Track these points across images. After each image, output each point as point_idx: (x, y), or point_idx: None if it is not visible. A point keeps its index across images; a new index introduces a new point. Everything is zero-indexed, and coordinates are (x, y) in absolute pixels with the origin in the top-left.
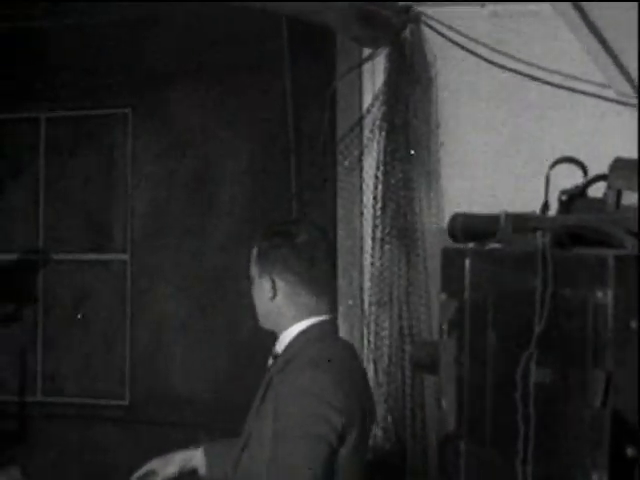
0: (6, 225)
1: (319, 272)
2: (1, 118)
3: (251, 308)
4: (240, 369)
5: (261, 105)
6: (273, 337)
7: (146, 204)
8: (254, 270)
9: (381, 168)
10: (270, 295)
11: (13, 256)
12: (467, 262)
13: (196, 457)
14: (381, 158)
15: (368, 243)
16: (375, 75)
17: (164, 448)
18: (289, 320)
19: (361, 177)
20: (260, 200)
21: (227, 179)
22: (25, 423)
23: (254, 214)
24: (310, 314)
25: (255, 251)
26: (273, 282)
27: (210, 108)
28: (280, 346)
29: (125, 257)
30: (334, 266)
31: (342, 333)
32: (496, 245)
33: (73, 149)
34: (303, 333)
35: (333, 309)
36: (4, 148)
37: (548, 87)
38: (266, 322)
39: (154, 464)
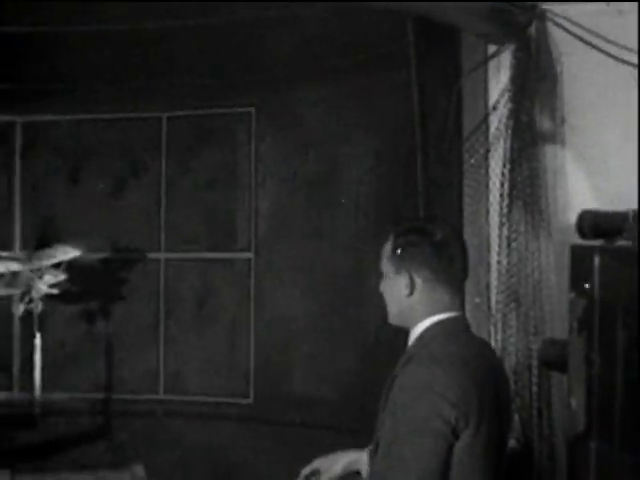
0: (128, 224)
1: (455, 269)
2: (123, 117)
3: (376, 307)
4: (365, 368)
5: (387, 104)
6: (399, 335)
7: (270, 203)
8: (388, 267)
9: (507, 165)
10: (407, 292)
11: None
12: (596, 259)
13: (360, 459)
14: (507, 155)
15: (495, 241)
16: (501, 72)
17: (287, 448)
18: (420, 317)
19: (487, 175)
20: (385, 199)
21: (352, 178)
22: (145, 421)
23: (379, 213)
24: (443, 310)
25: (389, 248)
26: (411, 278)
27: (335, 107)
28: (410, 342)
29: (249, 256)
30: (467, 263)
31: None
32: (625, 242)
33: (195, 148)
34: (430, 328)
35: (463, 307)
36: (126, 147)
37: None
38: (397, 319)
39: (319, 463)
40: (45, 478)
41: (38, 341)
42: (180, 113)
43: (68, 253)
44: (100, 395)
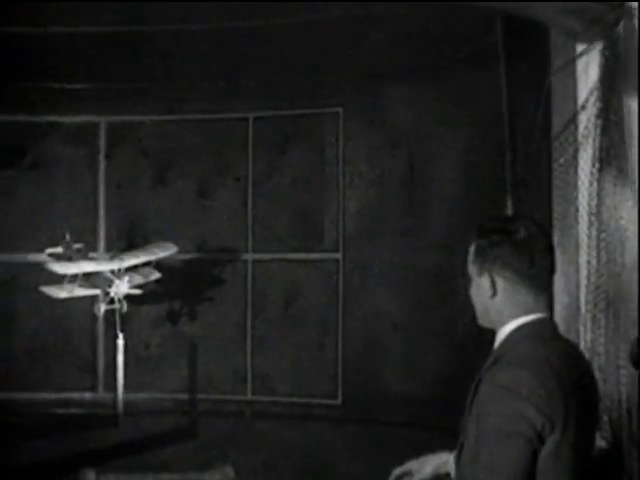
0: (214, 224)
1: (538, 269)
2: (210, 118)
3: (465, 306)
4: (454, 367)
5: (475, 102)
6: (488, 333)
7: (358, 203)
8: (472, 268)
9: (596, 165)
10: (490, 293)
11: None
12: None
13: (450, 460)
14: (596, 154)
15: (584, 240)
16: (589, 71)
17: (376, 448)
18: (506, 318)
19: (576, 174)
20: (474, 197)
21: (440, 177)
22: (233, 422)
23: (468, 211)
24: (528, 312)
25: (472, 249)
26: (492, 280)
27: (423, 106)
28: (496, 344)
29: (337, 256)
30: (553, 263)
31: None
32: None
33: (283, 148)
34: (516, 331)
35: (550, 307)
36: (212, 147)
37: None
38: (484, 320)
39: (411, 465)
40: (132, 478)
41: (121, 342)
42: (267, 113)
43: (157, 253)
44: (186, 396)
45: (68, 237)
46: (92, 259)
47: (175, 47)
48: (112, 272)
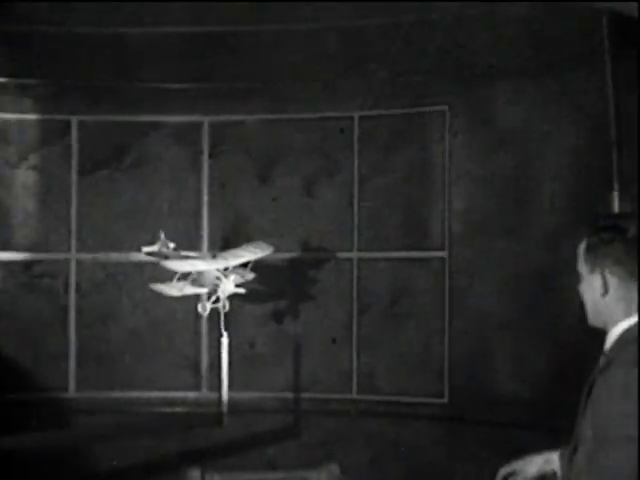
0: (319, 223)
1: None
2: (314, 117)
3: (571, 305)
4: (562, 368)
5: (582, 101)
6: (595, 334)
7: (465, 202)
8: (583, 266)
9: None
10: (601, 292)
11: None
12: None
13: (555, 459)
14: None
15: None
16: None
17: (482, 447)
18: (618, 317)
19: None
20: (582, 195)
21: (548, 175)
22: (338, 421)
23: (576, 210)
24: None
25: (583, 247)
26: (604, 278)
27: (531, 105)
28: (607, 344)
29: (443, 254)
30: None
31: None
32: None
33: (389, 147)
34: (628, 331)
35: None
36: (317, 146)
37: None
38: (596, 320)
39: (516, 465)
40: (240, 476)
41: (225, 340)
42: (373, 112)
43: (257, 253)
44: (291, 394)
45: (163, 235)
46: (198, 258)
47: (279, 46)
48: (218, 271)
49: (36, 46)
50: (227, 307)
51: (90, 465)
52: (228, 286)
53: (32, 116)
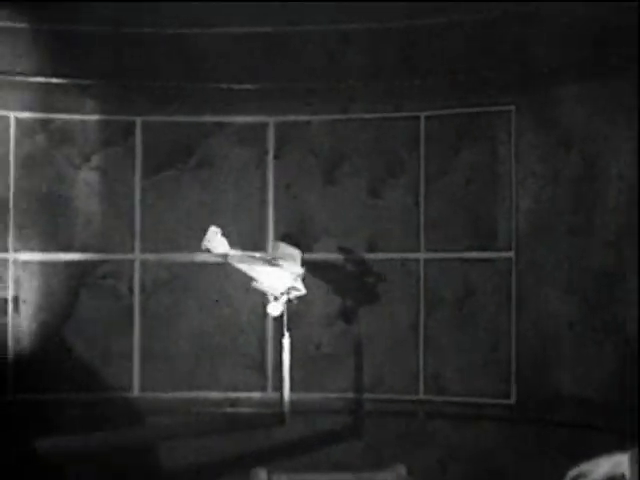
0: (385, 224)
1: None
2: (380, 117)
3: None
4: (627, 368)
5: None
6: None
7: (531, 202)
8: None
9: None
10: None
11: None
12: None
13: (625, 461)
14: None
15: None
16: None
17: (550, 449)
18: None
19: None
20: None
21: (614, 175)
22: (405, 422)
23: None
24: None
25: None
26: None
27: (595, 105)
28: None
29: (510, 255)
30: None
31: None
32: None
33: (455, 147)
34: None
35: None
36: (383, 146)
37: None
38: None
39: (585, 467)
40: (307, 477)
41: (287, 341)
42: (439, 112)
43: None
44: (356, 395)
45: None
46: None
47: (343, 46)
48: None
49: (99, 47)
50: (292, 306)
51: (155, 465)
52: (299, 287)
53: (95, 117)
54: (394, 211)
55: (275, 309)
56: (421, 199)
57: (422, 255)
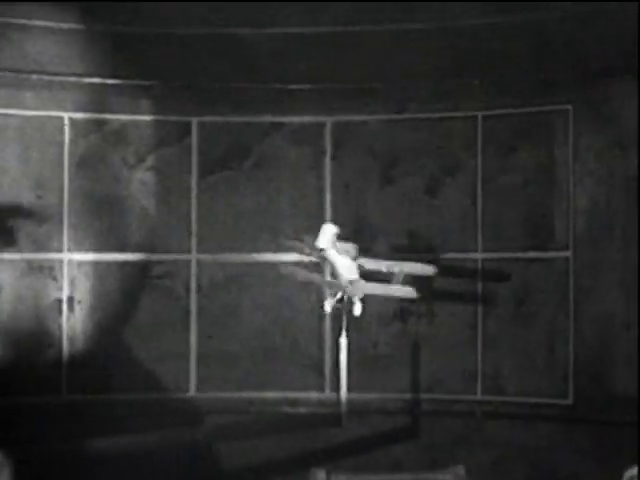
0: (443, 224)
1: None
2: (437, 116)
3: None
4: None
5: None
6: None
7: (588, 201)
8: None
9: None
10: None
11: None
12: None
13: None
14: None
15: None
16: None
17: (608, 448)
18: None
19: None
20: None
21: None
22: (463, 422)
23: None
24: None
25: None
26: None
27: None
28: None
29: (567, 254)
30: None
31: None
32: None
33: (512, 146)
34: None
35: None
36: (440, 146)
37: None
38: None
39: None
40: (365, 478)
41: (343, 340)
42: (496, 112)
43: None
44: (414, 395)
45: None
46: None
47: (401, 45)
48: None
49: (154, 47)
50: (354, 306)
51: (212, 465)
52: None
53: (151, 117)
54: (451, 211)
55: (359, 308)
56: (478, 199)
57: (479, 255)
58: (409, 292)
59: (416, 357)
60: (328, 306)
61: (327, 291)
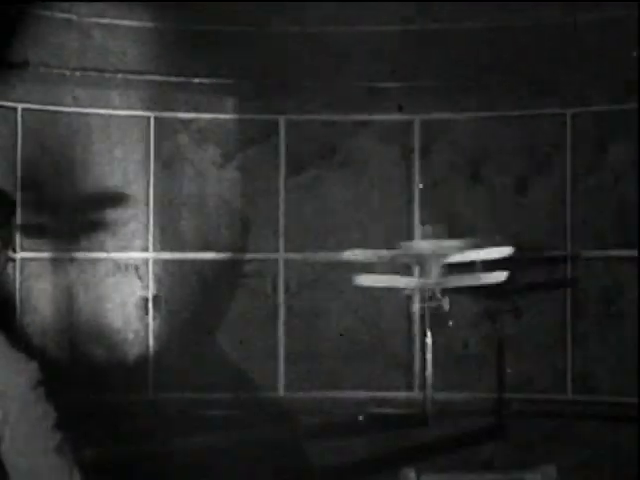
0: (531, 221)
1: None
2: (526, 114)
3: None
4: None
5: None
6: None
7: None
8: None
9: None
10: None
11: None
12: None
13: None
14: None
15: None
16: None
17: None
18: None
19: None
20: None
21: None
22: (553, 422)
23: None
24: None
25: None
26: None
27: None
28: None
29: None
30: None
31: None
32: None
33: (602, 144)
34: None
35: None
36: (529, 144)
37: None
38: None
39: None
40: (455, 477)
41: (429, 340)
42: (586, 109)
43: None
44: (503, 394)
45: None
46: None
47: (489, 43)
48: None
49: (242, 46)
50: (444, 306)
51: (301, 464)
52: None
53: (238, 116)
54: (540, 209)
55: (446, 305)
56: (568, 197)
57: (569, 253)
58: (499, 277)
59: (505, 357)
60: (416, 305)
61: (415, 290)
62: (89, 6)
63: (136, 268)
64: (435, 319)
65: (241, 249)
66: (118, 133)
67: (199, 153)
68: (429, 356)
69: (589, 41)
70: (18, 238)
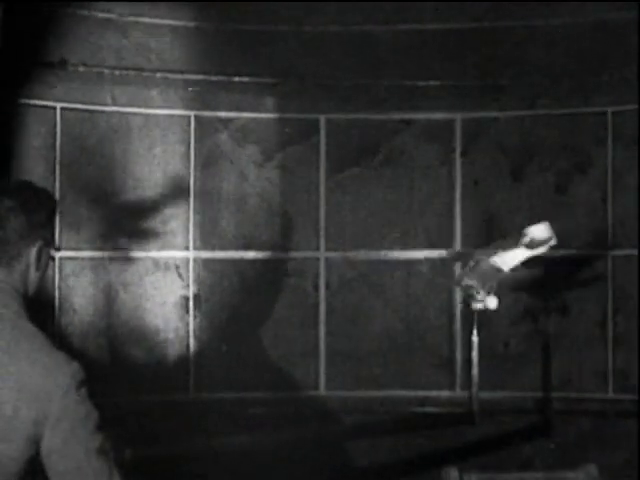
0: (573, 220)
1: None
2: (567, 112)
3: None
4: None
5: None
6: None
7: None
8: None
9: None
10: None
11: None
12: None
13: None
14: None
15: None
16: None
17: None
18: None
19: None
20: None
21: None
22: (594, 421)
23: None
24: None
25: None
26: None
27: None
28: None
29: None
30: None
31: None
32: None
33: None
34: None
35: None
36: (570, 142)
37: None
38: None
39: None
40: (498, 476)
41: (475, 339)
42: (627, 107)
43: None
44: (544, 394)
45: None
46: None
47: (529, 42)
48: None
49: (282, 45)
50: (490, 304)
51: (343, 463)
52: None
53: (278, 115)
54: (581, 208)
55: (492, 302)
56: (609, 195)
57: (610, 252)
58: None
59: (547, 356)
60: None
61: (473, 287)
62: (128, 6)
63: (176, 267)
64: (480, 318)
65: (282, 248)
66: (158, 132)
67: (239, 152)
68: (475, 355)
69: (633, 39)
70: (58, 237)
